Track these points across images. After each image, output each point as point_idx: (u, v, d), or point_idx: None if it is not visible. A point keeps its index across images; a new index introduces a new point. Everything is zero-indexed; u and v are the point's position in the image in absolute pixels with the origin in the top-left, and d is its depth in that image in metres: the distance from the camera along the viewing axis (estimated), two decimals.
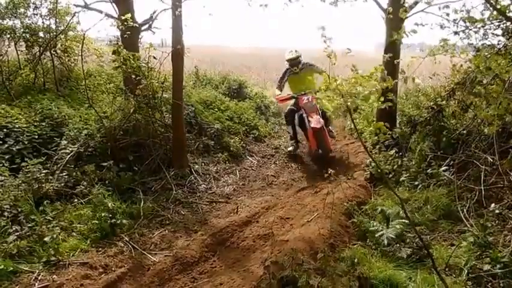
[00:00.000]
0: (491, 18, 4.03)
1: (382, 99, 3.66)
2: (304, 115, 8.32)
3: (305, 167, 8.44)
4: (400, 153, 7.14)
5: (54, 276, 4.20)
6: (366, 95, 3.48)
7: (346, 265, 4.35)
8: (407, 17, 5.47)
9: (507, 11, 3.24)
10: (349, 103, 3.56)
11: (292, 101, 8.85)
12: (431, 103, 7.19)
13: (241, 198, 6.75)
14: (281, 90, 9.00)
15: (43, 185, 5.50)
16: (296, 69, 8.62)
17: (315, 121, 8.03)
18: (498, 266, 4.14)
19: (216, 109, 9.55)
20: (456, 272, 4.26)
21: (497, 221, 4.97)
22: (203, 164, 7.67)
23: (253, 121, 10.05)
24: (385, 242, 4.69)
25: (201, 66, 13.11)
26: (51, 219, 5.03)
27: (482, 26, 4.92)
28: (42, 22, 8.79)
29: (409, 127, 7.64)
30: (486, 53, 4.26)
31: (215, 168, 7.71)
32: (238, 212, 6.13)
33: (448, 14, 3.71)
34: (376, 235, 4.83)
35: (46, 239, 4.58)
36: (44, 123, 6.70)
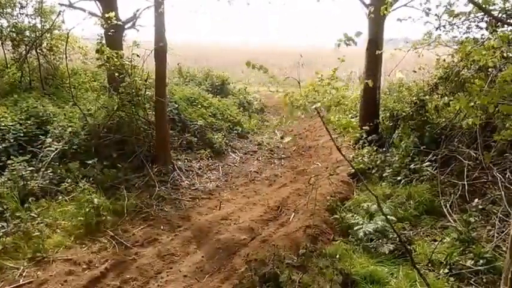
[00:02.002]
0: (474, 11, 4.08)
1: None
2: None
3: (287, 163, 8.60)
4: (384, 148, 7.27)
5: (39, 272, 4.31)
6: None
7: (328, 261, 4.43)
8: (389, 12, 5.42)
9: (487, 5, 3.33)
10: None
11: None
12: (415, 98, 7.31)
13: (223, 195, 6.87)
14: None
15: (28, 183, 5.62)
16: None
17: None
18: (481, 261, 4.24)
19: (199, 106, 9.65)
20: (439, 267, 4.34)
21: (480, 216, 5.09)
22: (186, 160, 7.79)
23: (236, 117, 10.20)
24: (361, 235, 4.79)
25: (185, 63, 13.18)
26: (36, 216, 5.13)
27: (466, 19, 4.95)
28: (28, 21, 8.86)
29: (392, 122, 7.76)
30: (470, 46, 4.33)
31: (198, 164, 7.84)
32: (220, 208, 6.27)
33: (429, 9, 3.83)
34: (359, 231, 4.90)
35: (31, 235, 4.71)
36: (29, 122, 6.77)
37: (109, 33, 7.42)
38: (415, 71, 7.90)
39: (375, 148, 7.22)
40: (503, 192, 5.09)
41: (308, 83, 3.65)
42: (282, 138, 10.01)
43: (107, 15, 7.22)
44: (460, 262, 4.33)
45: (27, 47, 8.70)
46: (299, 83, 3.66)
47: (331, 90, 3.67)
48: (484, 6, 3.07)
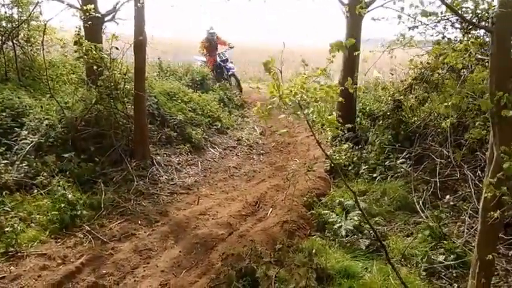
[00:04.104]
0: (448, 14, 4.19)
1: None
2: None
3: (266, 159, 8.65)
4: (360, 146, 7.41)
5: (12, 267, 4.27)
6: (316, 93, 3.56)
7: (304, 256, 4.49)
8: (366, 12, 5.51)
9: (460, 7, 3.41)
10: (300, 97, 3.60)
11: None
12: (390, 98, 7.50)
13: (202, 190, 6.89)
14: None
15: (2, 176, 5.50)
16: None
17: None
18: (452, 256, 4.43)
19: (179, 100, 9.58)
20: (411, 262, 4.50)
21: (451, 212, 5.30)
22: (165, 155, 7.76)
23: (216, 113, 10.17)
24: (343, 233, 4.92)
25: (165, 58, 13.11)
26: (9, 210, 5.06)
27: (440, 20, 5.10)
28: (5, 11, 8.65)
29: (369, 120, 7.92)
30: (443, 47, 4.48)
31: (177, 159, 7.82)
32: (199, 203, 6.28)
33: (402, 9, 3.93)
34: (335, 226, 5.03)
35: (4, 230, 4.64)
36: (4, 113, 6.61)
37: (86, 25, 7.34)
38: (392, 73, 8.06)
39: (352, 145, 7.34)
40: (473, 190, 5.27)
41: (296, 80, 3.66)
42: (261, 134, 10.06)
43: (85, 7, 7.15)
44: (432, 257, 4.48)
45: (3, 38, 8.50)
46: (281, 71, 3.66)
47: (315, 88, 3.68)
48: (456, 8, 3.14)
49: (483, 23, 3.44)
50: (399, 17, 3.27)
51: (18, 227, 4.77)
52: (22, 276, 4.12)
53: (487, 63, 3.20)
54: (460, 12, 3.05)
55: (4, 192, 5.30)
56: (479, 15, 3.49)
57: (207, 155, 8.53)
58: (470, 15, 3.47)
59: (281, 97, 3.43)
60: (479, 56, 3.20)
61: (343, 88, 3.67)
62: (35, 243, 4.73)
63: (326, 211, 5.48)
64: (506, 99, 2.45)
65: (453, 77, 3.96)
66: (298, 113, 3.45)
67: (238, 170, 7.94)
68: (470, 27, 4.33)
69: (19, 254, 4.47)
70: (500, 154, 2.60)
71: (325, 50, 3.45)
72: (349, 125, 6.77)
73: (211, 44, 13.56)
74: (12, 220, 4.81)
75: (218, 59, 13.41)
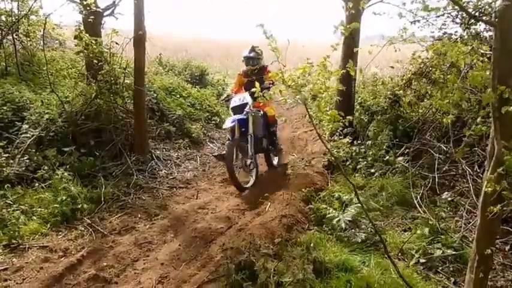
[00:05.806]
0: (449, 8, 4.20)
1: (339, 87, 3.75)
2: None
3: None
4: (358, 141, 7.42)
5: (14, 259, 4.30)
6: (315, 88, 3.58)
7: (303, 250, 4.49)
8: (365, 8, 5.52)
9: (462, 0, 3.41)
10: (303, 92, 3.63)
11: None
12: (389, 92, 7.49)
13: (201, 184, 6.91)
14: None
15: (4, 169, 5.53)
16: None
17: None
18: (449, 251, 4.45)
19: (178, 96, 9.62)
20: (409, 256, 4.51)
21: (449, 208, 5.31)
22: (164, 149, 7.80)
23: (214, 108, 10.21)
24: (343, 225, 4.90)
25: (164, 54, 13.13)
26: (11, 203, 5.09)
27: (441, 15, 5.09)
28: (5, 6, 8.63)
29: (367, 115, 7.92)
30: (444, 42, 4.49)
31: (176, 154, 7.85)
32: (198, 197, 6.31)
33: (404, 4, 3.96)
34: (334, 221, 5.02)
35: (6, 222, 4.67)
36: (5, 107, 6.62)
37: (89, 20, 7.33)
38: (392, 67, 8.07)
39: (350, 140, 7.35)
40: (471, 185, 5.29)
41: (300, 66, 3.66)
42: None
43: (85, 2, 7.15)
44: (429, 251, 4.50)
45: (3, 32, 8.48)
46: (284, 66, 3.68)
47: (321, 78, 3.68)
48: (459, 2, 3.15)
49: (485, 18, 3.45)
50: (401, 12, 3.28)
51: (20, 220, 4.81)
52: (24, 268, 4.15)
53: (486, 59, 3.22)
54: (461, 5, 3.06)
55: (6, 186, 5.32)
56: (481, 9, 3.50)
57: (206, 150, 8.56)
58: (472, 9, 3.48)
59: (284, 81, 3.47)
60: (481, 51, 3.21)
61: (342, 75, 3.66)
62: (37, 236, 4.77)
63: (324, 205, 5.46)
64: (508, 94, 2.47)
65: (454, 72, 3.97)
66: (298, 97, 3.48)
67: None
68: (471, 21, 4.34)
69: (21, 246, 4.51)
70: (501, 149, 2.62)
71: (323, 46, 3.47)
72: (350, 117, 6.82)
73: (250, 80, 6.97)
74: (14, 213, 4.85)
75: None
